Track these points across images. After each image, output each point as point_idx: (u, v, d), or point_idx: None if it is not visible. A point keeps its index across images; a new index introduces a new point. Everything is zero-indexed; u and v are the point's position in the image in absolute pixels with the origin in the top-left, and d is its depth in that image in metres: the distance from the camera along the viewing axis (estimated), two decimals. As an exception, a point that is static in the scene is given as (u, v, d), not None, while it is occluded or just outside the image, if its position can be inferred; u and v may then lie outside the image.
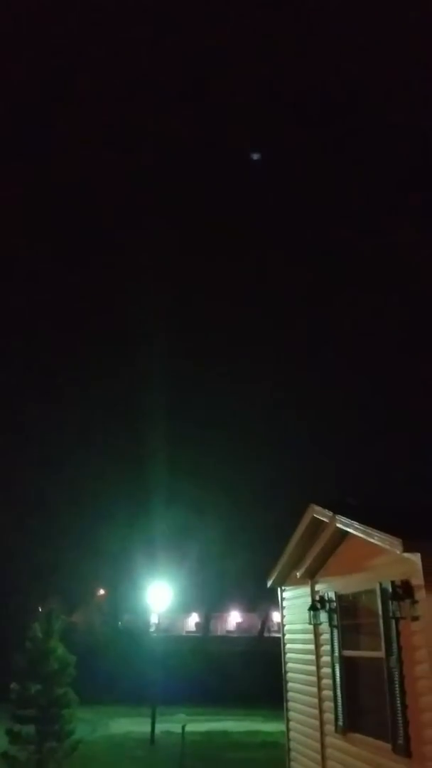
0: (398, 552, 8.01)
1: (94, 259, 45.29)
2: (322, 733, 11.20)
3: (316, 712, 11.51)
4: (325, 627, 11.18)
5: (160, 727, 22.48)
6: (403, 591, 8.22)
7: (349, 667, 10.29)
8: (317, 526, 11.51)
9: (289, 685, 13.57)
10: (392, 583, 8.48)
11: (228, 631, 57.16)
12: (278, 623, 15.09)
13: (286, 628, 14.07)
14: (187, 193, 41.45)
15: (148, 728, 22.43)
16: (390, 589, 8.50)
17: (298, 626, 12.88)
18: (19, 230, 40.03)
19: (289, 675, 13.60)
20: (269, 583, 14.41)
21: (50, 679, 15.87)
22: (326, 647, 11.12)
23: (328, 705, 10.91)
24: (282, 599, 14.35)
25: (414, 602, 8.03)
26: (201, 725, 24.18)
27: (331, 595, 11.01)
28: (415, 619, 8.01)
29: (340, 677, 10.44)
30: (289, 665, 13.63)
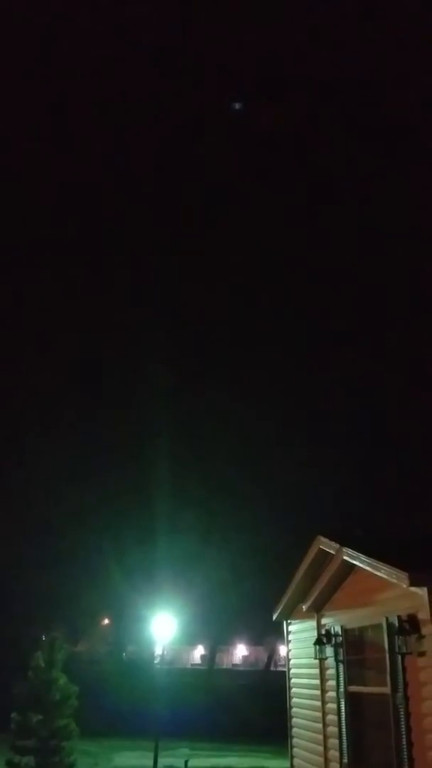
0: (405, 586, 7.92)
1: (94, 283, 45.49)
2: (327, 771, 11.00)
3: (320, 748, 11.31)
4: (330, 662, 11.03)
5: (163, 762, 22.04)
6: (409, 626, 8.12)
7: (354, 702, 10.13)
8: (324, 558, 11.41)
9: (294, 720, 13.37)
10: (399, 617, 8.38)
11: (234, 665, 56.48)
12: (285, 657, 14.90)
13: (291, 662, 13.91)
14: (187, 217, 41.78)
15: (150, 762, 22.04)
16: (396, 624, 8.40)
17: (304, 660, 12.71)
18: (19, 250, 40.35)
19: (294, 710, 13.41)
20: (275, 616, 14.27)
21: (52, 710, 15.67)
22: (332, 682, 10.96)
23: (333, 741, 10.72)
24: (288, 633, 14.20)
25: (421, 637, 7.93)
26: (205, 760, 23.74)
27: (338, 629, 10.88)
28: (422, 654, 7.90)
29: (346, 713, 10.27)
30: (294, 700, 13.43)
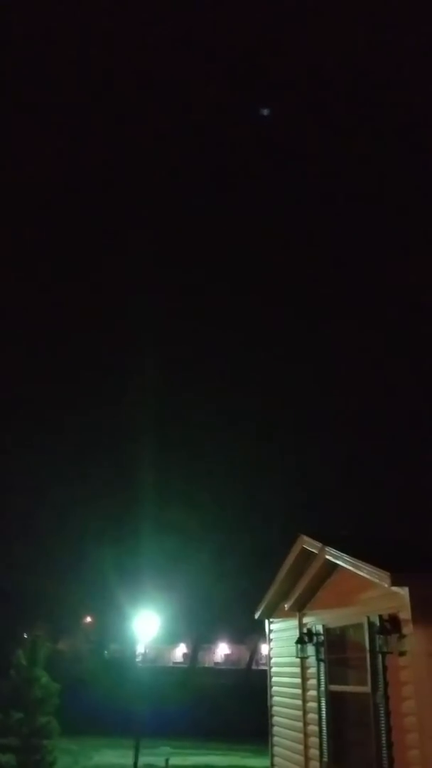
0: (386, 586, 7.96)
1: (88, 284, 45.32)
2: (307, 770, 11.02)
3: (301, 747, 11.34)
4: (312, 661, 11.05)
5: (143, 760, 21.99)
6: (390, 625, 8.14)
7: (335, 701, 10.16)
8: (307, 557, 11.43)
9: (275, 719, 13.39)
10: (380, 617, 8.41)
11: (216, 663, 56.36)
12: (266, 656, 14.93)
13: (272, 661, 13.93)
14: (187, 217, 41.73)
15: (131, 761, 21.99)
16: (378, 623, 8.43)
17: (285, 659, 12.74)
18: (11, 251, 40.21)
19: (275, 709, 13.43)
20: (257, 615, 14.29)
21: (33, 708, 15.64)
22: (313, 681, 10.98)
23: (314, 740, 10.75)
24: (269, 631, 14.22)
25: (401, 637, 7.96)
26: (186, 759, 23.75)
27: (319, 628, 10.90)
28: (402, 654, 7.93)
29: (326, 712, 10.30)
30: (275, 699, 13.46)
